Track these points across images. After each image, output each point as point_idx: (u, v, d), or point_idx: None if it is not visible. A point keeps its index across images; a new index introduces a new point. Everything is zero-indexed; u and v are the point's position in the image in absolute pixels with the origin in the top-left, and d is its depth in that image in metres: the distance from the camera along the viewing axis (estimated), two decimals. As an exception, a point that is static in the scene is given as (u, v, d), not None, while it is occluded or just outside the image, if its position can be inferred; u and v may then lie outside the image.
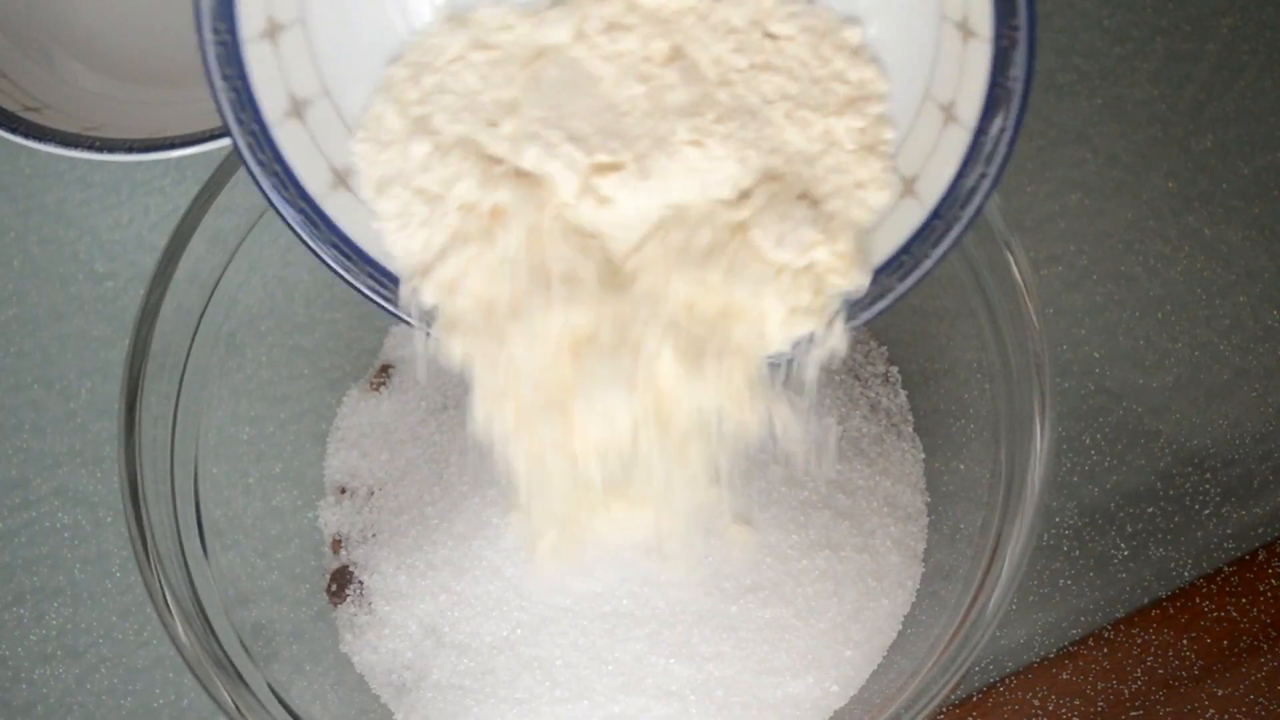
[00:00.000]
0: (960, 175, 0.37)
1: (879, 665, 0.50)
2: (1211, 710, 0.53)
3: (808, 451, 0.44)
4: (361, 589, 0.53)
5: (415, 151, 0.40)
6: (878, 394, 0.55)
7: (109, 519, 0.59)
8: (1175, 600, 0.55)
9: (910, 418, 0.56)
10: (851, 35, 0.39)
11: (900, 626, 0.51)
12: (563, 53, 0.39)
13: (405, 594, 0.51)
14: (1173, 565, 0.56)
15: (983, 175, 0.37)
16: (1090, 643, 0.55)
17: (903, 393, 0.57)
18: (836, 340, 0.40)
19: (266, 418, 0.55)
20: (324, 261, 0.41)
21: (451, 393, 0.55)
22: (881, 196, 0.39)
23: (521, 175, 0.39)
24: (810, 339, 0.40)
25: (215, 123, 0.59)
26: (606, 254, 0.40)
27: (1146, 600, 0.56)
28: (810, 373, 0.40)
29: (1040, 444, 0.46)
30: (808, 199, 0.39)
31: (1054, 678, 0.54)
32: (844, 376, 0.54)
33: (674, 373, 0.39)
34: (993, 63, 0.35)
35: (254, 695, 0.46)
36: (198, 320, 0.51)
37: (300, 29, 0.39)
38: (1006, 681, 0.55)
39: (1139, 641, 0.55)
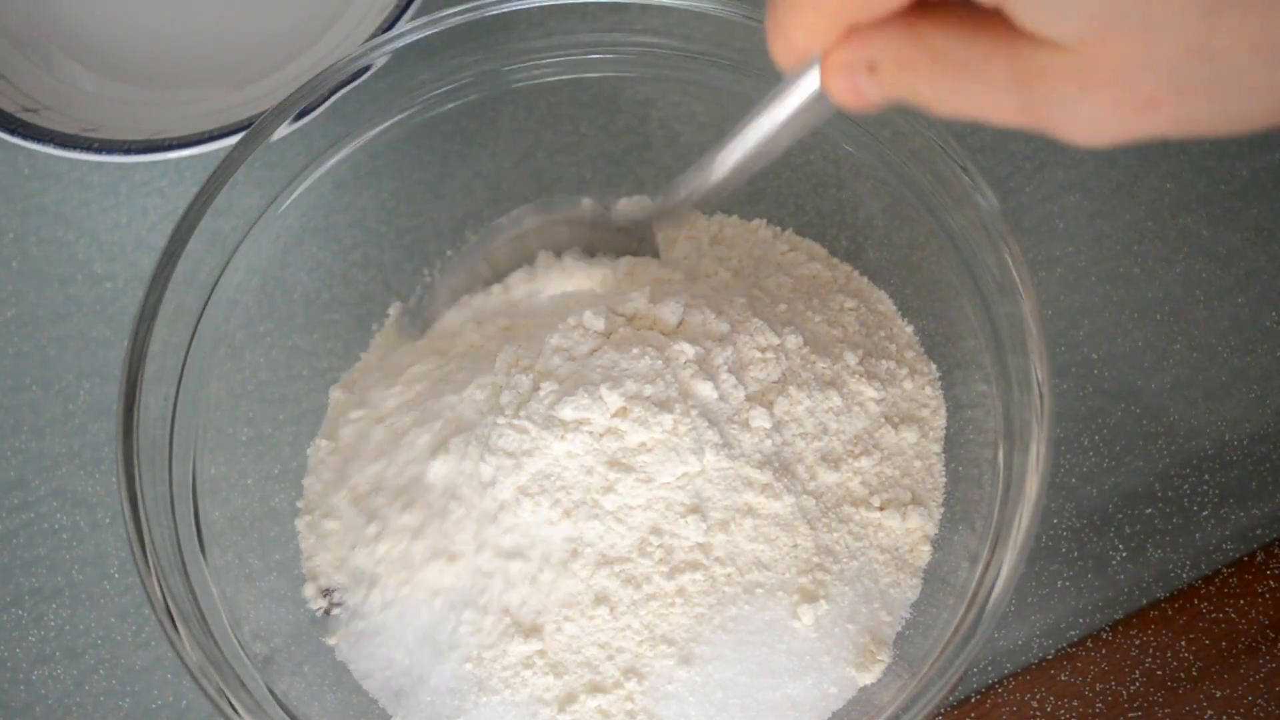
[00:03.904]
0: None
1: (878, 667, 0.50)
2: (1210, 712, 0.53)
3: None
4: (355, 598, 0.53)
5: None
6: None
7: (107, 520, 0.59)
8: (1174, 602, 0.55)
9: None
10: None
11: (899, 628, 0.51)
12: None
13: (401, 603, 0.50)
14: (1171, 567, 0.56)
15: None
16: (1088, 644, 0.55)
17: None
18: None
19: (265, 419, 0.55)
20: None
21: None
22: None
23: None
24: None
25: (214, 124, 0.59)
26: None
27: (1145, 602, 0.56)
28: None
29: (1038, 446, 0.46)
30: None
31: (1052, 679, 0.54)
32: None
33: None
34: None
35: (252, 696, 0.46)
36: (196, 321, 0.51)
37: None
38: (1005, 683, 0.55)
39: (1137, 643, 0.55)
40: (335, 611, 0.53)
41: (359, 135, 0.55)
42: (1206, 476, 0.58)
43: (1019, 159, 0.63)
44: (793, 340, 0.52)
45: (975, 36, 0.32)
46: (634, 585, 0.48)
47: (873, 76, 0.34)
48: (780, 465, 0.49)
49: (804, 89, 0.39)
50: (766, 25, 0.35)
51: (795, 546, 0.49)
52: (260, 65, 0.65)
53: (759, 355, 0.51)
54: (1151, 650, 0.54)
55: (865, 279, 0.57)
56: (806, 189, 0.58)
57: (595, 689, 0.48)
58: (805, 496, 0.50)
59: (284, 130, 0.52)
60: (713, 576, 0.48)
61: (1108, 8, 0.29)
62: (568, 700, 0.48)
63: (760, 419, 0.49)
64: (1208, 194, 0.62)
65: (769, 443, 0.49)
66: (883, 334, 0.55)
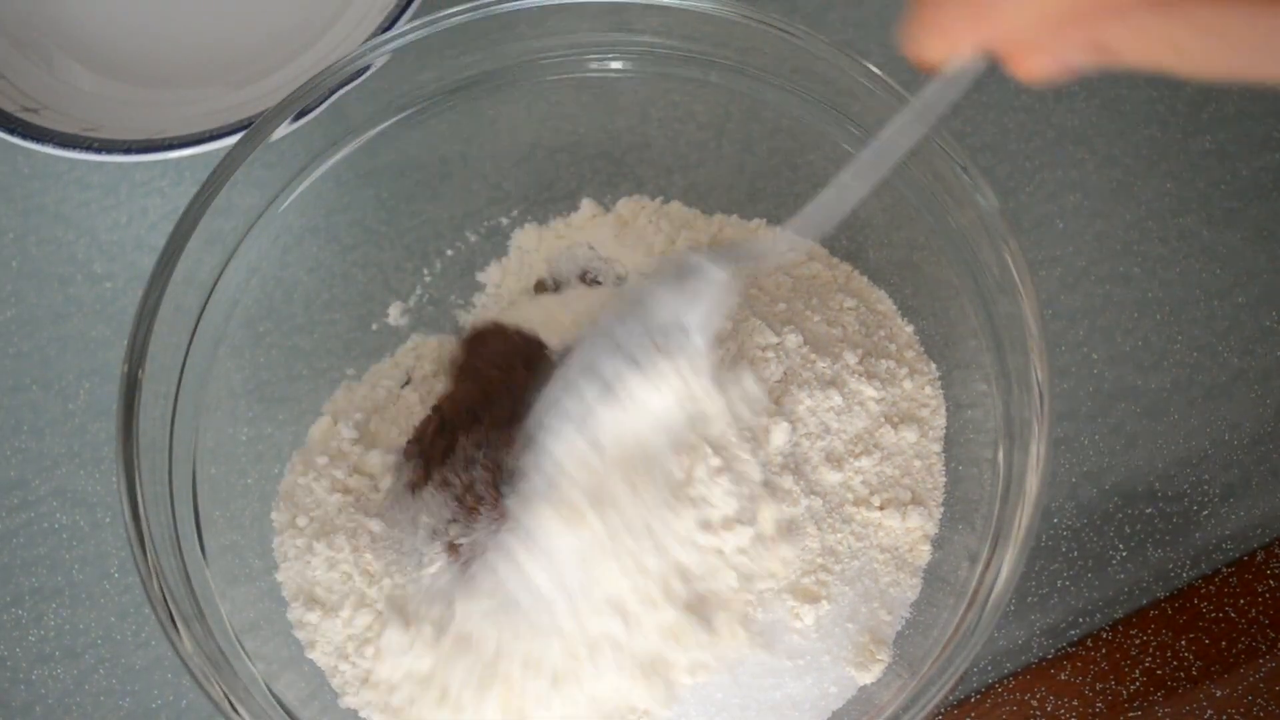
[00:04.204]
0: None
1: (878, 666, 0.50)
2: (1210, 711, 0.53)
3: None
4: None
5: None
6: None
7: (107, 520, 0.59)
8: (1173, 601, 0.55)
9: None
10: None
11: (899, 627, 0.51)
12: None
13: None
14: (1171, 566, 0.56)
15: None
16: (1089, 643, 0.55)
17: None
18: None
19: (264, 419, 0.55)
20: None
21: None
22: None
23: None
24: None
25: (214, 123, 0.59)
26: None
27: (1145, 601, 0.56)
28: None
29: (1038, 445, 0.46)
30: None
31: (1052, 678, 0.54)
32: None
33: None
34: None
35: (252, 696, 0.46)
36: (196, 321, 0.51)
37: None
38: (1005, 682, 0.55)
39: (1137, 642, 0.55)
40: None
41: (359, 135, 0.55)
42: (1206, 476, 0.58)
43: (1019, 159, 0.63)
44: (792, 339, 0.51)
45: (1259, 6, 0.27)
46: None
47: (1102, 55, 0.30)
48: (794, 467, 0.49)
49: (959, 81, 0.35)
50: (926, 19, 0.31)
51: (804, 549, 0.49)
52: (260, 65, 0.65)
53: (759, 354, 0.51)
54: (1151, 650, 0.54)
55: (865, 279, 0.57)
56: (806, 189, 0.58)
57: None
58: (814, 497, 0.50)
59: (284, 130, 0.52)
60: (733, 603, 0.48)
61: None
62: (568, 703, 0.48)
63: (779, 417, 0.49)
64: (1208, 194, 0.62)
65: (786, 442, 0.49)
66: (882, 334, 0.55)
